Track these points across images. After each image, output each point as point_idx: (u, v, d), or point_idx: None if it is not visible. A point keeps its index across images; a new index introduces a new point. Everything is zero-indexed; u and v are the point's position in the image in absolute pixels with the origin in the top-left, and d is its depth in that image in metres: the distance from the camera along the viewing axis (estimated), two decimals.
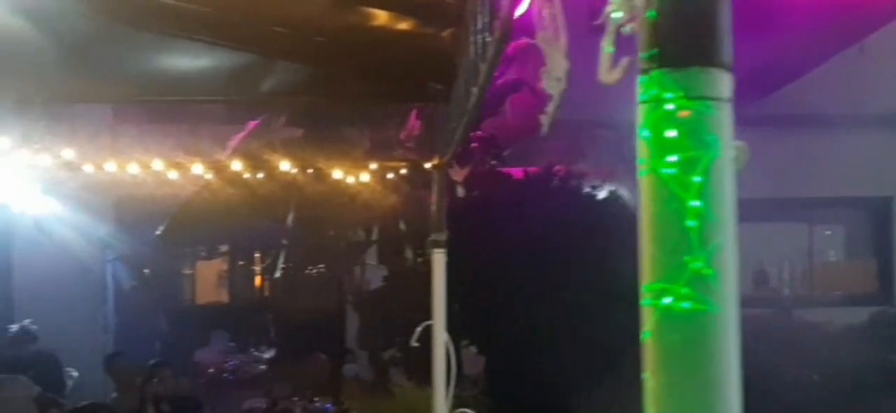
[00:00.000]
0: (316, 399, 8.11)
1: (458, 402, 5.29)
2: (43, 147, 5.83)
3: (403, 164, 6.43)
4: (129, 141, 9.11)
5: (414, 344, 5.33)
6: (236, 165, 5.67)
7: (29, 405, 8.11)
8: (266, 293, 13.74)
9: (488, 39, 2.83)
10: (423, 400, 5.47)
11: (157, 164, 5.47)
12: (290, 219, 9.49)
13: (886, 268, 10.57)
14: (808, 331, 8.61)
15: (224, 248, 12.95)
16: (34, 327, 9.70)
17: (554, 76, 1.87)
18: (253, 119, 9.53)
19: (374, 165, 6.30)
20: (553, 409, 9.63)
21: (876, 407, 7.23)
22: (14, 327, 9.80)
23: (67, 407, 7.63)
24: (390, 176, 6.70)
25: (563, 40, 1.85)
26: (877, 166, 9.45)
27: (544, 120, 1.98)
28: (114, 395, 7.70)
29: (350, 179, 6.33)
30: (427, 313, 6.10)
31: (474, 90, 3.37)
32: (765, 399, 7.93)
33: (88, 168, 5.67)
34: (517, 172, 10.13)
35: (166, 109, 10.30)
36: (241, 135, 9.47)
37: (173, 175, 6.44)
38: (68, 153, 5.71)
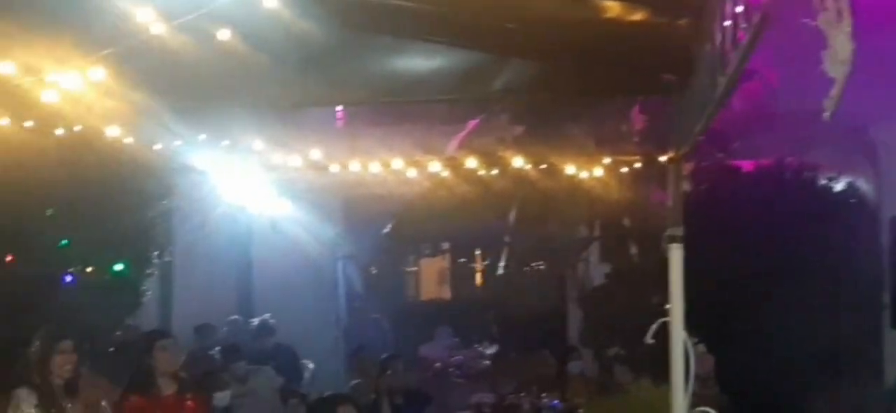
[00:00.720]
0: (543, 395, 8.13)
1: (694, 400, 5.17)
2: (292, 149, 6.13)
3: (636, 158, 6.34)
4: (358, 143, 9.45)
5: (649, 341, 5.25)
6: (471, 162, 5.76)
7: (273, 395, 8.56)
8: (488, 290, 13.94)
9: (743, 27, 2.75)
10: (659, 398, 5.37)
11: (397, 163, 5.64)
12: (512, 216, 9.58)
13: None
14: None
15: (446, 245, 13.23)
16: (273, 321, 10.22)
17: (838, 59, 1.78)
18: (473, 119, 9.67)
19: (607, 159, 6.24)
20: (786, 409, 9.26)
21: None
22: (255, 321, 10.37)
23: (308, 397, 7.99)
24: (624, 170, 6.62)
25: (847, 21, 1.77)
26: None
27: (828, 105, 1.89)
28: (353, 382, 8.01)
29: (582, 175, 6.29)
30: (651, 311, 5.99)
31: (722, 79, 3.28)
32: None
33: (334, 168, 5.92)
34: (747, 165, 9.79)
35: (388, 112, 10.60)
36: (462, 134, 9.64)
37: (404, 174, 6.62)
38: (316, 153, 5.97)
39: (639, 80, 5.10)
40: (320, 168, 6.17)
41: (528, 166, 5.92)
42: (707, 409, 5.04)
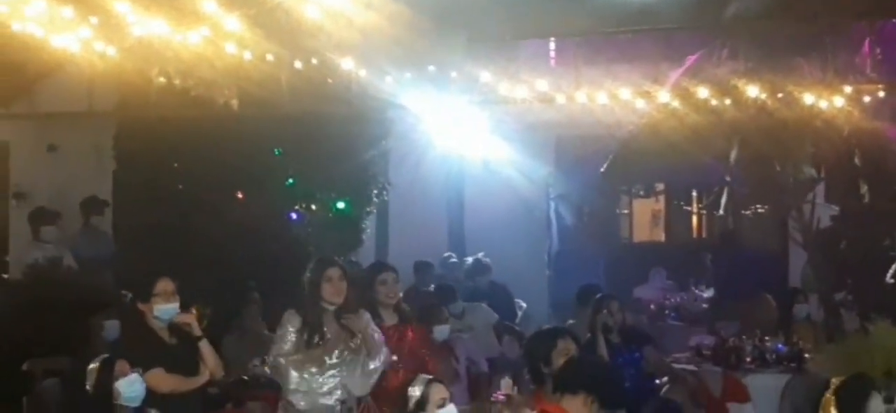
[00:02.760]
0: (766, 338, 7.85)
1: None
2: (518, 79, 6.11)
3: (880, 86, 5.94)
4: (573, 81, 9.35)
5: (890, 280, 4.96)
6: (703, 91, 5.56)
7: (489, 331, 8.68)
8: (704, 232, 13.58)
9: None
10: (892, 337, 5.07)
11: (625, 93, 5.52)
12: (733, 156, 9.23)
13: None
14: None
15: (661, 186, 12.94)
16: (487, 260, 10.33)
17: None
18: (691, 55, 9.34)
19: (847, 88, 5.88)
20: None
21: None
22: (469, 260, 10.52)
23: (523, 334, 8.04)
24: (866, 100, 6.24)
25: None
26: None
27: None
28: (569, 322, 8.00)
29: (821, 105, 5.96)
30: (883, 254, 5.64)
31: None
32: None
33: (561, 99, 5.87)
34: None
35: (601, 50, 10.37)
36: (679, 71, 9.33)
37: (623, 111, 6.49)
38: (542, 84, 5.91)
39: (878, 2, 4.77)
40: (546, 100, 6.12)
41: (764, 96, 5.64)
42: None
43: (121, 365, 4.80)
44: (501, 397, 5.31)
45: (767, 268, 10.24)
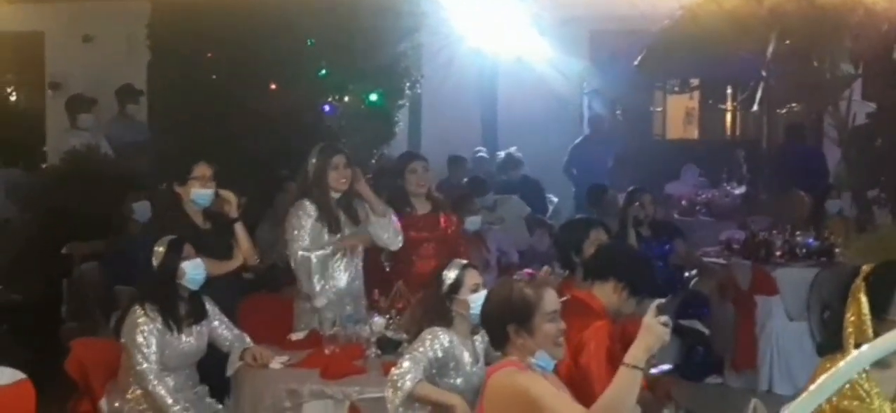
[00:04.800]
0: (797, 233, 7.85)
1: None
2: None
3: None
4: None
5: None
6: None
7: (520, 223, 8.76)
8: (738, 129, 13.49)
9: None
10: None
11: None
12: (770, 50, 9.11)
13: None
14: None
15: (695, 82, 12.81)
16: (519, 155, 10.36)
17: None
18: None
19: None
20: None
21: None
22: (501, 154, 10.55)
23: (554, 228, 8.10)
24: None
25: None
26: None
27: None
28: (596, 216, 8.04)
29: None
30: None
31: None
32: None
33: None
34: None
35: None
36: None
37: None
38: None
39: None
40: None
41: None
42: None
43: (188, 248, 4.90)
44: (527, 274, 5.38)
45: (801, 164, 10.18)
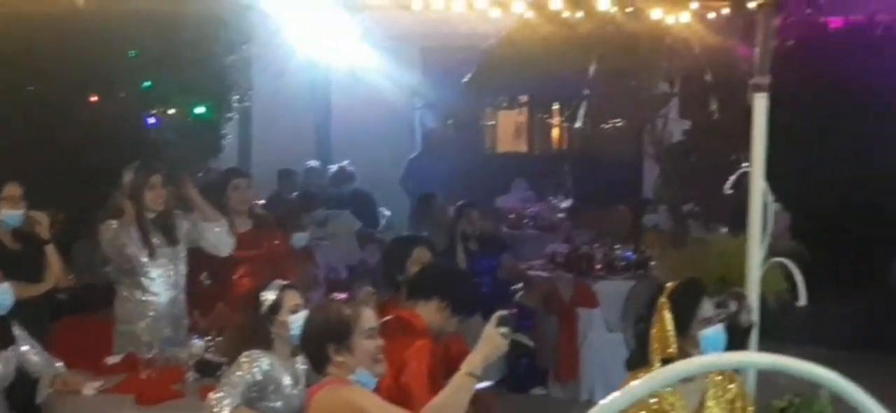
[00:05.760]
0: (617, 246, 8.16)
1: (769, 253, 5.15)
2: None
3: (726, 2, 6.16)
4: None
5: (728, 190, 5.22)
6: (556, 2, 5.66)
7: (351, 238, 8.75)
8: (564, 144, 13.87)
9: None
10: (735, 248, 5.36)
11: (482, 2, 5.56)
12: (591, 69, 9.43)
13: None
14: None
15: (524, 99, 13.13)
16: (351, 168, 10.36)
17: None
18: None
19: (694, 4, 6.08)
20: (865, 271, 9.18)
21: None
22: (333, 168, 10.52)
23: (384, 243, 8.13)
24: (711, 16, 6.45)
25: None
26: None
27: None
28: (425, 233, 8.13)
29: (668, 20, 6.14)
30: (729, 167, 5.92)
31: None
32: None
33: (417, 5, 5.87)
34: (836, 21, 9.48)
35: None
36: None
37: (486, 17, 6.51)
38: None
39: None
40: (403, 7, 6.11)
41: (614, 9, 5.79)
42: (781, 258, 5.01)
43: None
44: (342, 296, 5.38)
45: (623, 179, 10.58)
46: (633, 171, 11.03)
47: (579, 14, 6.03)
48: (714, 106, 9.43)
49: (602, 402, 1.64)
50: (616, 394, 1.65)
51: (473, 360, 3.77)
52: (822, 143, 8.73)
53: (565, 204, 11.29)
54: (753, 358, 2.33)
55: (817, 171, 8.73)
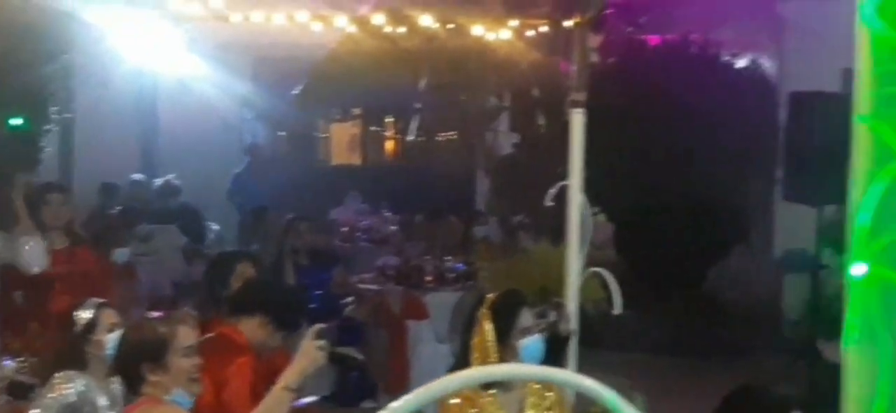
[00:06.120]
0: (447, 258, 8.26)
1: (589, 263, 5.31)
2: None
3: (543, 21, 6.35)
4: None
5: (548, 203, 5.35)
6: (378, 18, 5.69)
7: (176, 254, 8.53)
8: (398, 157, 13.96)
9: None
10: (556, 258, 5.51)
11: (302, 16, 5.54)
12: (422, 83, 9.54)
13: None
14: None
15: (357, 111, 13.15)
16: (178, 182, 10.11)
17: None
18: None
19: (513, 22, 6.23)
20: (682, 279, 9.61)
21: None
22: (159, 181, 10.24)
23: (211, 257, 7.97)
24: (530, 34, 6.63)
25: None
26: None
27: None
28: (255, 247, 8.03)
29: (488, 37, 6.28)
30: (555, 180, 6.09)
31: None
32: None
33: (236, 17, 5.79)
34: (654, 40, 9.91)
35: None
36: None
37: (311, 30, 6.50)
38: (216, 1, 5.81)
39: None
40: (220, 18, 6.03)
41: (436, 25, 5.88)
42: (599, 269, 5.18)
43: None
44: (157, 314, 5.25)
45: (454, 191, 10.73)
46: (467, 183, 11.20)
47: (402, 29, 6.08)
48: (541, 120, 9.70)
49: (392, 404, 1.68)
50: (408, 396, 1.69)
51: (290, 375, 3.75)
52: (642, 156, 9.08)
53: (400, 216, 11.35)
54: (517, 369, 2.42)
55: (638, 183, 9.09)
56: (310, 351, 3.74)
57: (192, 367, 3.79)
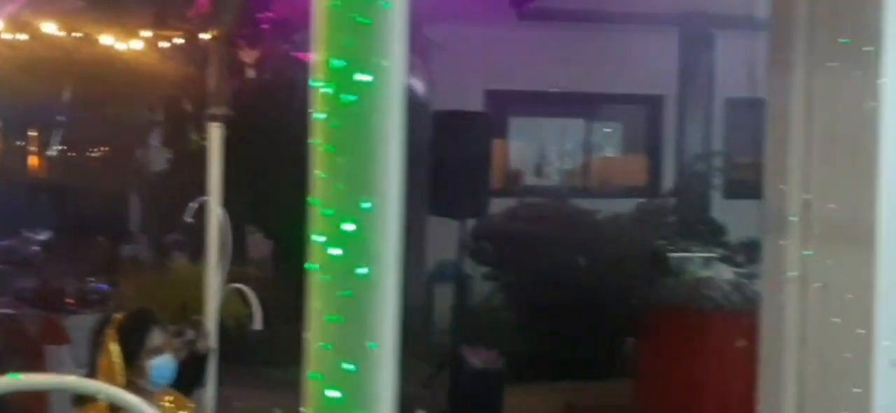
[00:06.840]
0: (90, 279, 7.88)
1: (233, 278, 5.27)
2: None
3: (179, 33, 6.22)
4: None
5: (189, 220, 5.25)
6: None
7: None
8: (43, 174, 13.10)
9: None
10: (197, 274, 5.40)
11: None
12: (67, 94, 9.06)
13: (655, 163, 11.14)
14: (579, 218, 9.07)
15: None
16: None
17: None
18: None
19: (146, 32, 6.06)
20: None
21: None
22: None
23: None
24: (165, 45, 6.47)
25: None
26: (652, 65, 9.83)
27: None
28: None
29: (122, 47, 6.06)
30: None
31: None
32: (539, 277, 8.30)
33: None
34: (309, 57, 10.04)
35: None
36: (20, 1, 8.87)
37: None
38: None
39: None
40: None
41: (62, 34, 5.58)
42: (240, 285, 5.15)
43: None
44: None
45: (103, 210, 10.28)
46: (118, 200, 10.76)
47: (22, 36, 5.74)
48: (195, 136, 9.51)
49: None
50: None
51: None
52: (295, 172, 9.17)
53: (42, 236, 10.67)
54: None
55: (290, 200, 9.16)
56: None
57: None
